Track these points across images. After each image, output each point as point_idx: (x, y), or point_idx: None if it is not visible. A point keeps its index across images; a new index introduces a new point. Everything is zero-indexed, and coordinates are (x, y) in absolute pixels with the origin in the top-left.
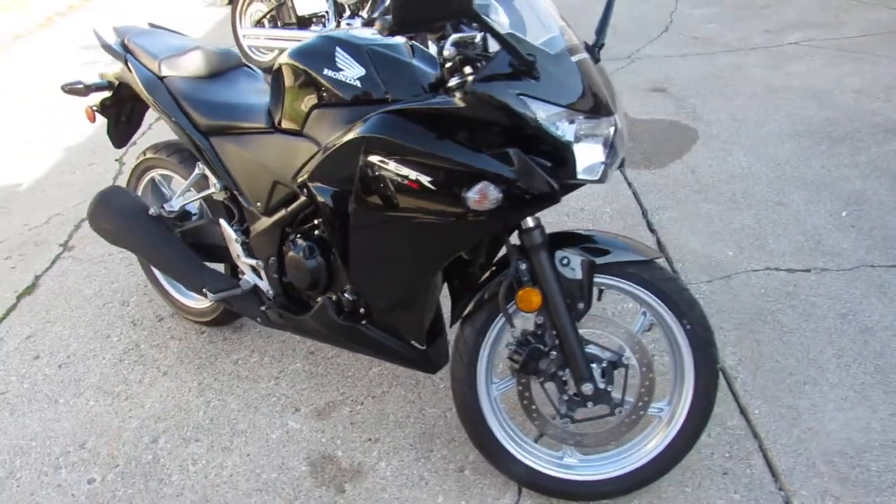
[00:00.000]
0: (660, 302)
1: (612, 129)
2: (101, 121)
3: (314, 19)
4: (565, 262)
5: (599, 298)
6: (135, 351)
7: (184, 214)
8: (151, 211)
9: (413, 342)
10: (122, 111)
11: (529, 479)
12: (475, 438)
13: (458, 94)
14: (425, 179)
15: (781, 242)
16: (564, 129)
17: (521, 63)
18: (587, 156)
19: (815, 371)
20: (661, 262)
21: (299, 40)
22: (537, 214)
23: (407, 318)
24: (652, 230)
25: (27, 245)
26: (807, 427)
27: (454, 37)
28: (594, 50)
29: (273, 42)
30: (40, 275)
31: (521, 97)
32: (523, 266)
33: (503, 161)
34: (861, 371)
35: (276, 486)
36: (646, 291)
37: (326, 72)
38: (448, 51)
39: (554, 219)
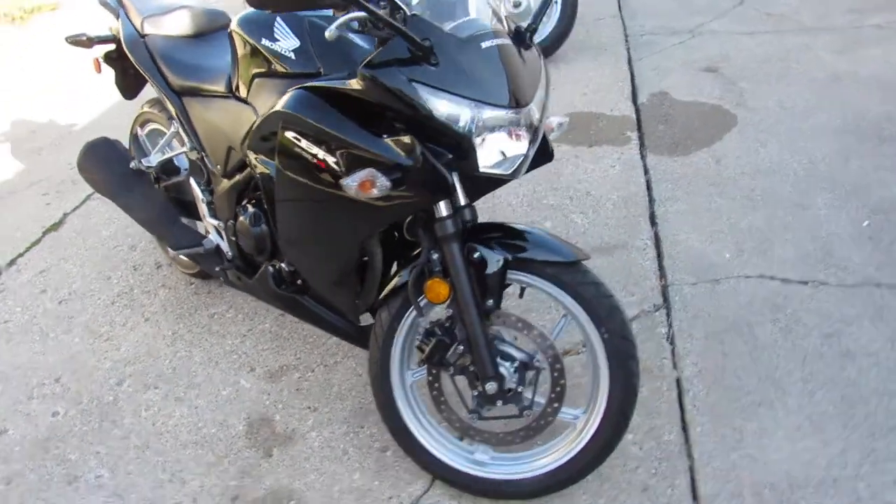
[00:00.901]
0: (578, 306)
1: (520, 122)
2: None
3: None
4: (477, 255)
5: (521, 296)
6: (128, 295)
7: (173, 169)
8: (132, 164)
9: (349, 318)
10: (127, 63)
11: (438, 471)
12: (386, 422)
13: (357, 77)
14: (331, 160)
15: (787, 249)
16: (464, 119)
17: (416, 48)
18: (491, 149)
19: (776, 393)
20: (587, 265)
21: None
22: (463, 203)
23: (338, 294)
24: (654, 223)
25: (66, 183)
26: (746, 453)
27: (341, 19)
28: (525, 35)
29: None
30: (69, 213)
31: (413, 83)
32: (435, 256)
33: (400, 148)
34: (825, 399)
35: (211, 442)
36: (564, 294)
37: (264, 41)
38: (329, 32)
39: (556, 200)
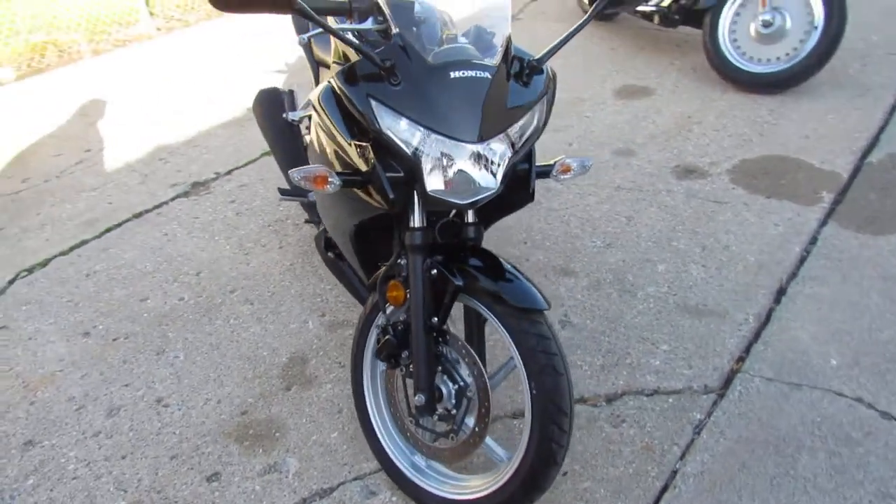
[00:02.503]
0: (517, 353)
1: (469, 155)
2: None
3: None
4: (434, 273)
5: (481, 324)
6: (282, 223)
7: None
8: (284, 115)
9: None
10: None
11: (382, 461)
12: (355, 402)
13: None
14: (328, 149)
15: None
16: (414, 142)
17: (378, 66)
18: (439, 175)
19: None
20: (545, 315)
21: None
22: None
23: (348, 266)
24: (777, 300)
25: None
26: None
27: (309, 33)
28: (524, 70)
29: None
30: None
31: (370, 99)
32: (402, 261)
33: (357, 154)
34: None
35: (256, 361)
36: (507, 336)
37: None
38: (300, 40)
39: (686, 245)
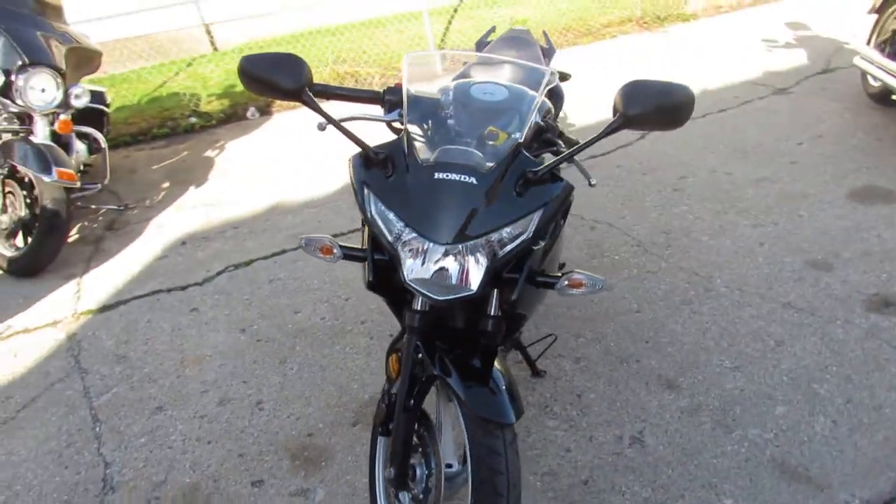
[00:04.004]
0: (469, 458)
1: (437, 255)
2: None
3: None
4: (419, 356)
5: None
6: None
7: None
8: None
9: None
10: None
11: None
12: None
13: None
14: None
15: None
16: (393, 233)
17: (372, 157)
18: (416, 267)
19: None
20: (509, 429)
21: None
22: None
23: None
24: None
25: None
26: None
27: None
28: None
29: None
30: None
31: (364, 186)
32: (404, 337)
33: (362, 230)
34: None
35: (345, 392)
36: (466, 438)
37: None
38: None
39: (828, 390)
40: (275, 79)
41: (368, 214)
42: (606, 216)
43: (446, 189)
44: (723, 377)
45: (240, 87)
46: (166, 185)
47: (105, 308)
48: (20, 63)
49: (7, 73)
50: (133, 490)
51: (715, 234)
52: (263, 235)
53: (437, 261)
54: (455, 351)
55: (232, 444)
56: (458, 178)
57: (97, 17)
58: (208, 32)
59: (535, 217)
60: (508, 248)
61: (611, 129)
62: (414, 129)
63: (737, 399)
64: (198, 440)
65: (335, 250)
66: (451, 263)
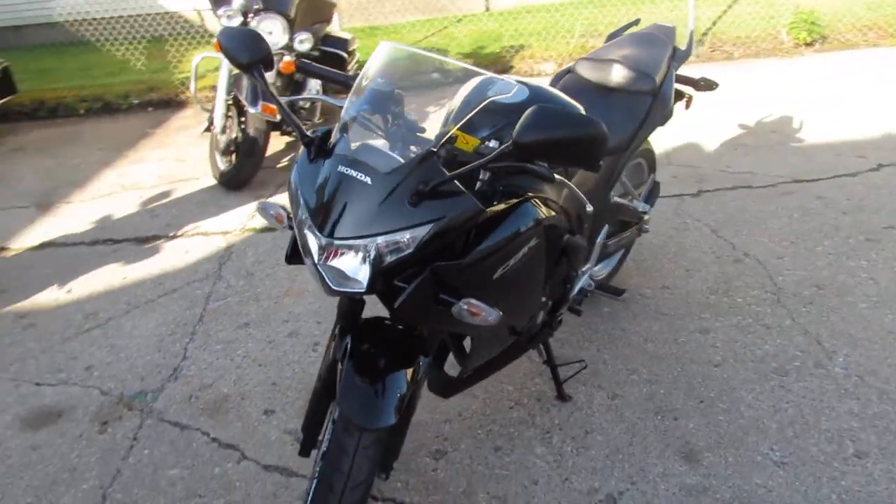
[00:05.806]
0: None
1: (316, 244)
2: None
3: None
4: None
5: None
6: None
7: None
8: None
9: None
10: None
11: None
12: None
13: None
14: None
15: None
16: (300, 214)
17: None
18: (312, 251)
19: None
20: (369, 434)
21: None
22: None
23: None
24: None
25: None
26: None
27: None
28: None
29: None
30: None
31: (295, 166)
32: None
33: None
34: None
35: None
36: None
37: None
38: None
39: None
40: (233, 52)
41: (289, 191)
42: (762, 252)
43: (343, 184)
44: (758, 469)
45: (487, 49)
46: None
47: (266, 230)
48: (255, 7)
49: (245, 14)
50: (186, 384)
51: (877, 305)
52: None
53: (320, 251)
54: (377, 346)
55: (274, 373)
56: (354, 175)
57: None
58: None
59: (423, 231)
60: (396, 254)
61: (495, 156)
62: (368, 120)
63: (755, 499)
64: (253, 360)
65: (284, 221)
66: (346, 257)
